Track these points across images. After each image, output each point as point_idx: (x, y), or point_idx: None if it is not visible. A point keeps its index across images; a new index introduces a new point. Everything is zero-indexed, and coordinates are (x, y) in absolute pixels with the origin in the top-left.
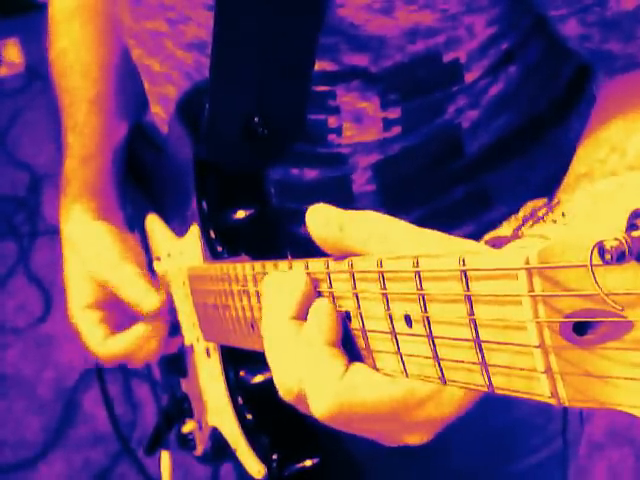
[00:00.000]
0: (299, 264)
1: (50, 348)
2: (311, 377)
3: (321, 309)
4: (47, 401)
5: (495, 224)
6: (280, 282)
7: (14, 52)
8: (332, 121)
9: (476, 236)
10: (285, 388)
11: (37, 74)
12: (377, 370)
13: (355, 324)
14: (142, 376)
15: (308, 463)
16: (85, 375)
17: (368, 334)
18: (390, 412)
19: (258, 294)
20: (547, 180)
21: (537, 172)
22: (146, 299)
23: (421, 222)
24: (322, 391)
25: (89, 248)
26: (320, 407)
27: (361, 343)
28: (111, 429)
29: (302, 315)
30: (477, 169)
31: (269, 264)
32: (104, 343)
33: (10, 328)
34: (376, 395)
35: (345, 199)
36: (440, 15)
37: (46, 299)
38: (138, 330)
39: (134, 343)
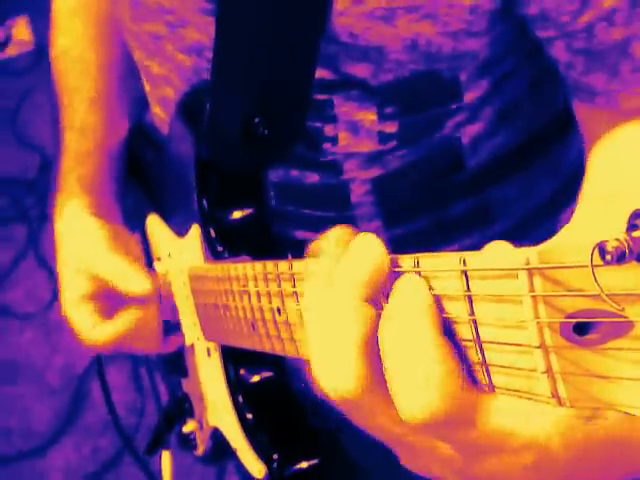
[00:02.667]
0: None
1: (60, 334)
2: (410, 368)
3: (412, 284)
4: (56, 388)
5: (497, 238)
6: (344, 251)
7: (24, 31)
8: (328, 130)
9: (477, 249)
10: (360, 383)
11: (46, 53)
12: None
13: None
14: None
15: (309, 463)
16: (94, 362)
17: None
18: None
19: (259, 294)
20: (549, 195)
21: (539, 187)
22: (135, 282)
23: (422, 234)
24: (426, 384)
25: (80, 241)
26: (418, 405)
27: None
28: (120, 416)
29: (375, 297)
30: (479, 183)
31: (270, 264)
32: (95, 329)
33: (20, 313)
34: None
35: (343, 206)
36: (441, 29)
37: (56, 284)
38: (129, 313)
39: (125, 326)
